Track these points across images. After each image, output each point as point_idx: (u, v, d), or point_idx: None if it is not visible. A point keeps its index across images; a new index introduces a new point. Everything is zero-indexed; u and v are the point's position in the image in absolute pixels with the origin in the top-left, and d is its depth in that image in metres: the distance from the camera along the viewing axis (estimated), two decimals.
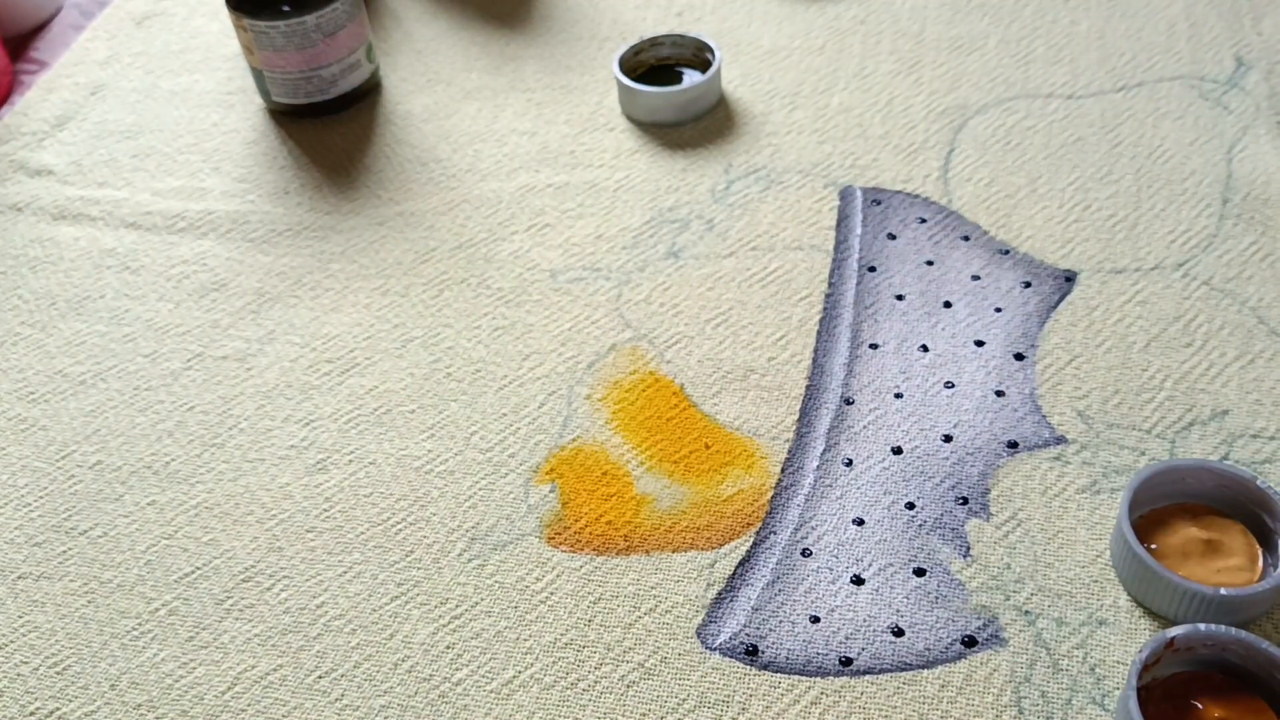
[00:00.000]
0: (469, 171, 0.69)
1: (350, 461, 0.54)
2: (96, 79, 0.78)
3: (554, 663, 0.47)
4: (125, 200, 0.69)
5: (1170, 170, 0.64)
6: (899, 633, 0.46)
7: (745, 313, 0.59)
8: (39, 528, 0.53)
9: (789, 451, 0.53)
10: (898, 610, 0.47)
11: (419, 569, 0.50)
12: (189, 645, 0.48)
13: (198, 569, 0.51)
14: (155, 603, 0.50)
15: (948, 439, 0.53)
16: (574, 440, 0.54)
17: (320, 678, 0.47)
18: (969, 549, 0.49)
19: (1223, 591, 0.44)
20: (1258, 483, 0.47)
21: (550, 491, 0.52)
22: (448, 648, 0.47)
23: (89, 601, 0.50)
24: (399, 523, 0.52)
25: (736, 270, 0.61)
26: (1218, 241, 0.60)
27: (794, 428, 0.54)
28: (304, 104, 0.72)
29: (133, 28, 0.83)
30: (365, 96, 0.74)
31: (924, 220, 0.63)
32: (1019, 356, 0.56)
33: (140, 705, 0.47)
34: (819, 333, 0.58)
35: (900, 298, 0.59)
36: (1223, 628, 0.42)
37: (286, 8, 0.67)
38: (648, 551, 0.50)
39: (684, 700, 0.45)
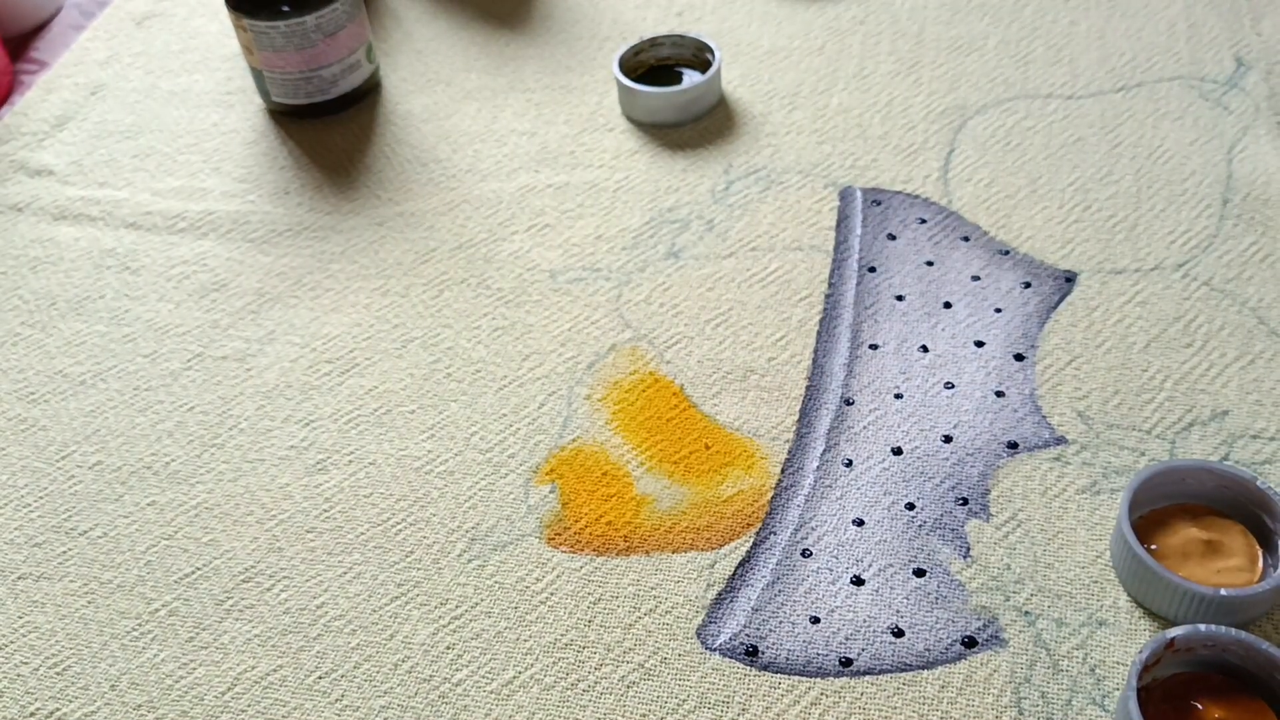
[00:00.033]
0: (469, 172, 0.69)
1: (350, 462, 0.54)
2: (96, 79, 0.78)
3: (554, 663, 0.47)
4: (125, 200, 0.69)
5: (1170, 170, 0.64)
6: (899, 633, 0.46)
7: (745, 313, 0.59)
8: (39, 528, 0.53)
9: (789, 452, 0.53)
10: (898, 611, 0.47)
11: (419, 569, 0.50)
12: (189, 646, 0.48)
13: (198, 569, 0.51)
14: (155, 603, 0.50)
15: (948, 439, 0.53)
16: (574, 441, 0.54)
17: (320, 678, 0.47)
18: (969, 549, 0.49)
19: (1223, 592, 0.44)
20: (1258, 483, 0.47)
21: (550, 492, 0.52)
22: (448, 648, 0.47)
23: (89, 602, 0.50)
24: (399, 523, 0.52)
25: (736, 270, 0.61)
26: (1218, 242, 0.60)
27: (794, 428, 0.54)
28: (304, 104, 0.72)
29: (133, 28, 0.83)
30: (365, 97, 0.74)
31: (924, 221, 0.63)
32: (1019, 357, 0.56)
33: (140, 706, 0.47)
34: (819, 333, 0.58)
35: (900, 298, 0.59)
36: (1223, 628, 0.42)
37: (286, 8, 0.67)
38: (648, 552, 0.50)
39: (684, 701, 0.45)
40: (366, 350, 0.59)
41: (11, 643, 0.49)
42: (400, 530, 0.52)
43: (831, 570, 0.48)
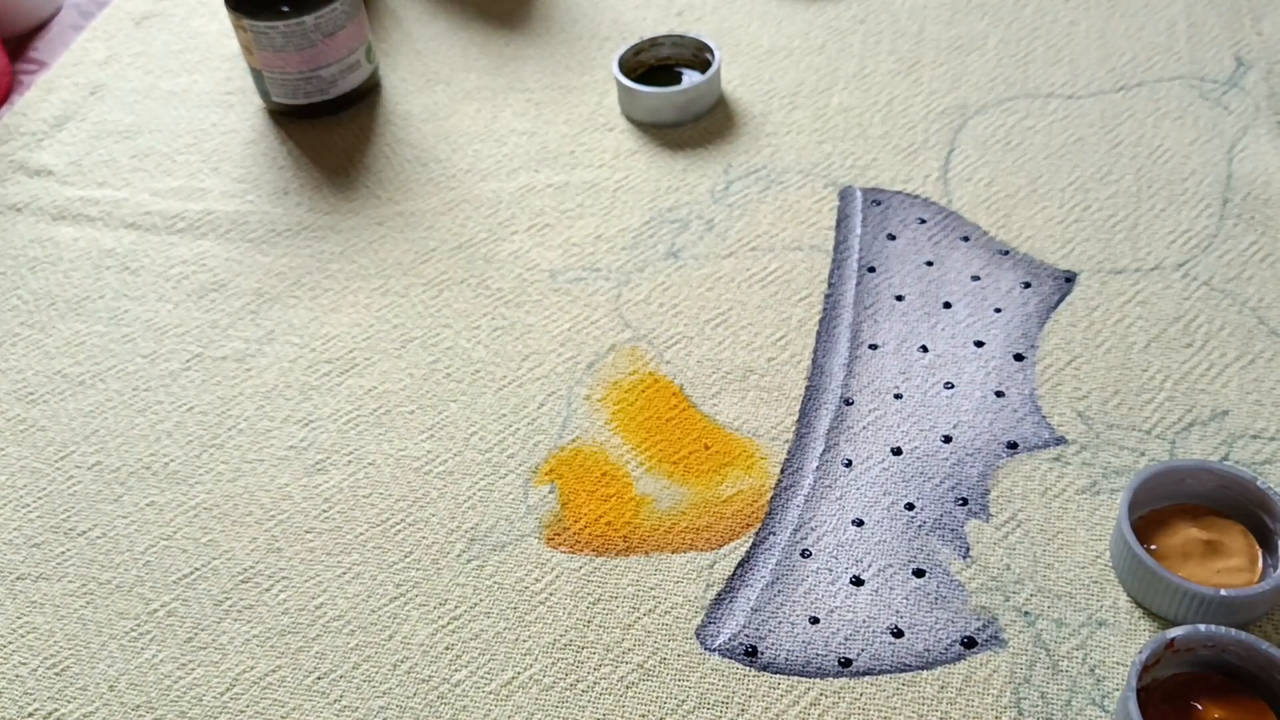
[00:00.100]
0: (469, 171, 0.69)
1: (349, 462, 0.54)
2: (96, 79, 0.78)
3: (553, 664, 0.47)
4: (125, 200, 0.69)
5: (1170, 170, 0.64)
6: (898, 633, 0.46)
7: (745, 313, 0.59)
8: (38, 528, 0.53)
9: (788, 452, 0.53)
10: (897, 611, 0.47)
11: (418, 570, 0.50)
12: (188, 646, 0.48)
13: (196, 570, 0.51)
14: (154, 604, 0.50)
15: (947, 440, 0.53)
16: (573, 441, 0.54)
17: (319, 679, 0.47)
18: (969, 550, 0.49)
19: (1223, 592, 0.44)
20: (1258, 483, 0.47)
21: (549, 492, 0.52)
22: (447, 648, 0.47)
23: (87, 602, 0.50)
24: (398, 523, 0.52)
25: (736, 270, 0.61)
26: (1218, 242, 0.60)
27: (793, 428, 0.54)
28: (303, 104, 0.72)
29: (132, 28, 0.83)
30: (365, 97, 0.74)
31: (924, 220, 0.63)
32: (1019, 357, 0.56)
33: (139, 706, 0.47)
34: (819, 333, 0.58)
35: (900, 298, 0.59)
36: (1223, 629, 0.42)
37: (286, 8, 0.67)
38: (647, 552, 0.50)
39: (683, 701, 0.45)
40: (366, 350, 0.59)
41: (10, 643, 0.49)
42: (399, 530, 0.52)
43: (831, 570, 0.48)
